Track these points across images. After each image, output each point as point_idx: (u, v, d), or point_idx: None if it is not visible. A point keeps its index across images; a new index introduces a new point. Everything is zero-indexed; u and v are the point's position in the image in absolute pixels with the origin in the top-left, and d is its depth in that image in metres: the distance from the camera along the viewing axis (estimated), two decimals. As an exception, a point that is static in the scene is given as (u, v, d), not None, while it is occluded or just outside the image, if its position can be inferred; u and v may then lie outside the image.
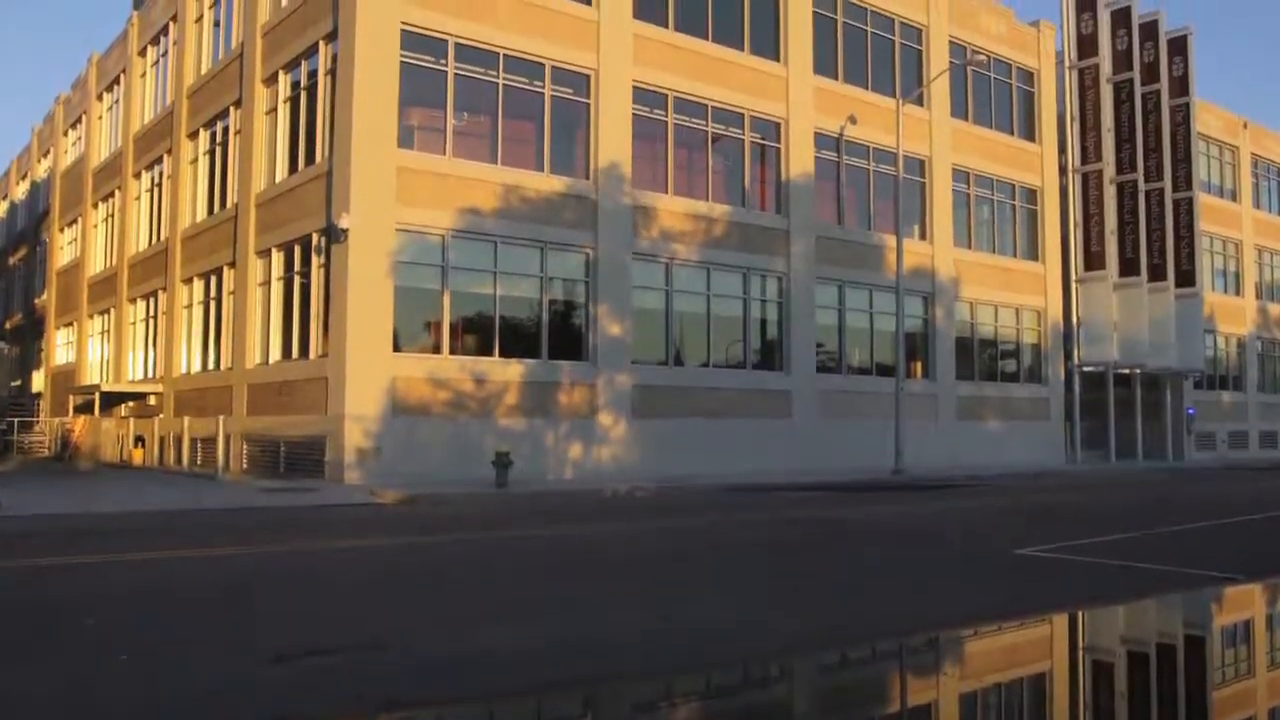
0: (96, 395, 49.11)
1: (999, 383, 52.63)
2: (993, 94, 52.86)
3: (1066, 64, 56.32)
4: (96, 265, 56.86)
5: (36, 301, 68.47)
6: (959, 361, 50.21)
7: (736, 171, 43.19)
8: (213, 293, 42.76)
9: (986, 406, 51.14)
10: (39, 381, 66.29)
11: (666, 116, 40.52)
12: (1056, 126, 55.69)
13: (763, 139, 43.51)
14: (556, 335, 37.35)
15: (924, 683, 5.81)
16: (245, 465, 38.43)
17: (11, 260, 78.33)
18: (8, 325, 77.17)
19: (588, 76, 38.33)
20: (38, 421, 58.62)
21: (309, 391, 34.91)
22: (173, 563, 16.45)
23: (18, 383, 71.81)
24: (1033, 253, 54.41)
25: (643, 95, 39.72)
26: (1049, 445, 53.88)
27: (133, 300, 50.67)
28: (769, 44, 43.73)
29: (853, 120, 44.86)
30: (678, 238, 40.19)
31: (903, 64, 48.55)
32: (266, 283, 38.61)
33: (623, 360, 38.43)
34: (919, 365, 48.82)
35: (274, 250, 38.04)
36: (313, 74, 36.69)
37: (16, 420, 56.61)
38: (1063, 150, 55.94)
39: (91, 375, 55.43)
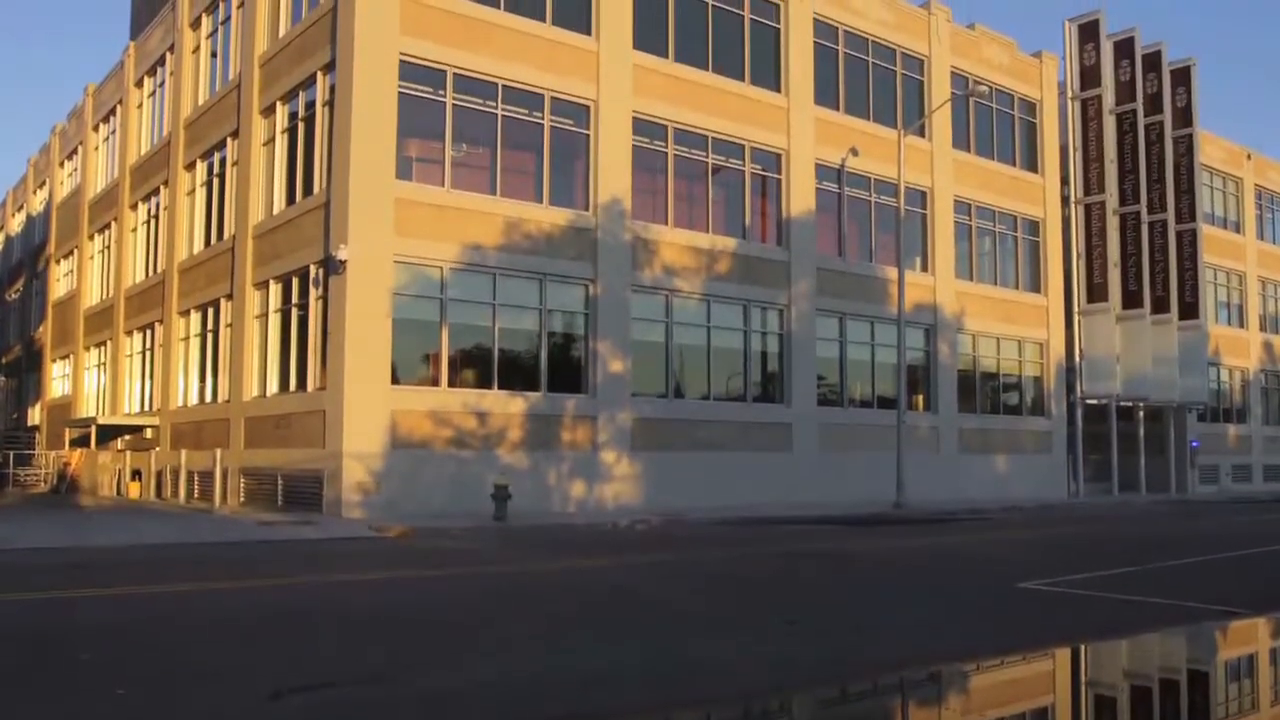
0: (93, 428, 48.91)
1: (1001, 416, 52.39)
2: (995, 125, 52.72)
3: (1069, 95, 56.21)
4: (93, 297, 56.66)
5: (34, 334, 68.27)
6: (961, 394, 49.97)
7: (737, 203, 43.02)
8: (210, 325, 42.53)
9: (989, 440, 50.87)
10: (37, 415, 66.01)
11: (667, 147, 40.36)
12: (1059, 157, 55.54)
13: (763, 170, 43.36)
14: (556, 368, 37.13)
15: (924, 716, 5.57)
16: (243, 499, 38.16)
17: (8, 293, 78.13)
18: (5, 359, 76.98)
19: (587, 107, 38.18)
20: (35, 454, 58.37)
21: (307, 425, 34.67)
22: (169, 598, 16.34)
23: (14, 415, 71.64)
24: (1035, 285, 54.19)
25: (643, 126, 39.56)
26: (1051, 478, 53.57)
27: (129, 332, 50.46)
28: (769, 75, 43.61)
29: (854, 152, 44.67)
30: (678, 270, 39.99)
31: (904, 95, 48.40)
32: (264, 315, 38.39)
33: (623, 393, 38.20)
34: (920, 398, 48.59)
35: (271, 282, 37.83)
36: (310, 105, 36.52)
37: (13, 454, 56.39)
38: (1065, 181, 55.80)
39: (88, 408, 55.17)
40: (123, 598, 16.17)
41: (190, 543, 25.46)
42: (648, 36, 39.87)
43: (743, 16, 42.92)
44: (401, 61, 34.04)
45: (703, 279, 40.66)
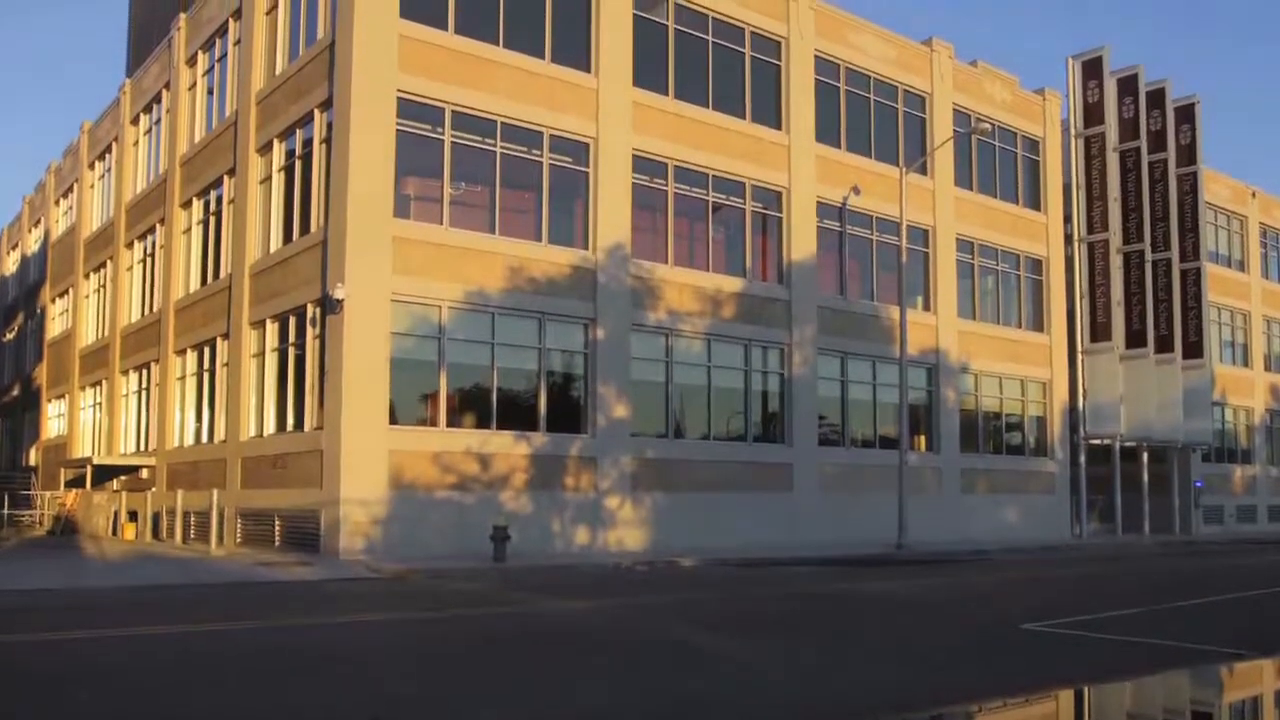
0: (88, 469, 48.62)
1: (1004, 456, 52.08)
2: (997, 163, 52.54)
3: (1072, 132, 56.04)
4: (88, 336, 56.46)
5: (30, 374, 68.08)
6: (963, 434, 49.67)
7: (737, 241, 42.81)
8: (206, 364, 42.31)
9: (991, 480, 50.56)
10: (34, 455, 65.72)
11: (667, 185, 40.17)
12: (1062, 195, 55.39)
13: (764, 208, 43.16)
14: (555, 408, 36.87)
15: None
16: (240, 539, 37.84)
17: (4, 333, 77.95)
18: (2, 399, 76.72)
19: (587, 145, 38.00)
20: (33, 494, 58.05)
21: (304, 465, 34.39)
22: (165, 638, 16.41)
23: (11, 456, 71.39)
24: (1038, 324, 53.96)
25: (642, 164, 39.37)
26: (1054, 519, 53.25)
27: (125, 372, 50.21)
28: (770, 112, 43.44)
29: (856, 191, 44.52)
30: (678, 309, 39.76)
31: (906, 132, 48.22)
32: (261, 354, 38.15)
33: (622, 433, 37.92)
34: (923, 438, 48.28)
35: (268, 321, 37.58)
36: (308, 142, 36.33)
37: (7, 495, 56.10)
38: (1068, 219, 55.61)
39: (83, 448, 54.86)
40: (118, 640, 16.19)
41: (185, 584, 25.43)
42: (647, 74, 39.74)
43: (743, 53, 42.80)
44: (400, 99, 33.87)
45: (703, 318, 40.42)
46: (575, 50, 38.16)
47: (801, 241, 43.62)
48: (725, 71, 42.27)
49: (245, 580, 26.29)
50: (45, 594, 23.00)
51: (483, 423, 35.31)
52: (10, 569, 28.93)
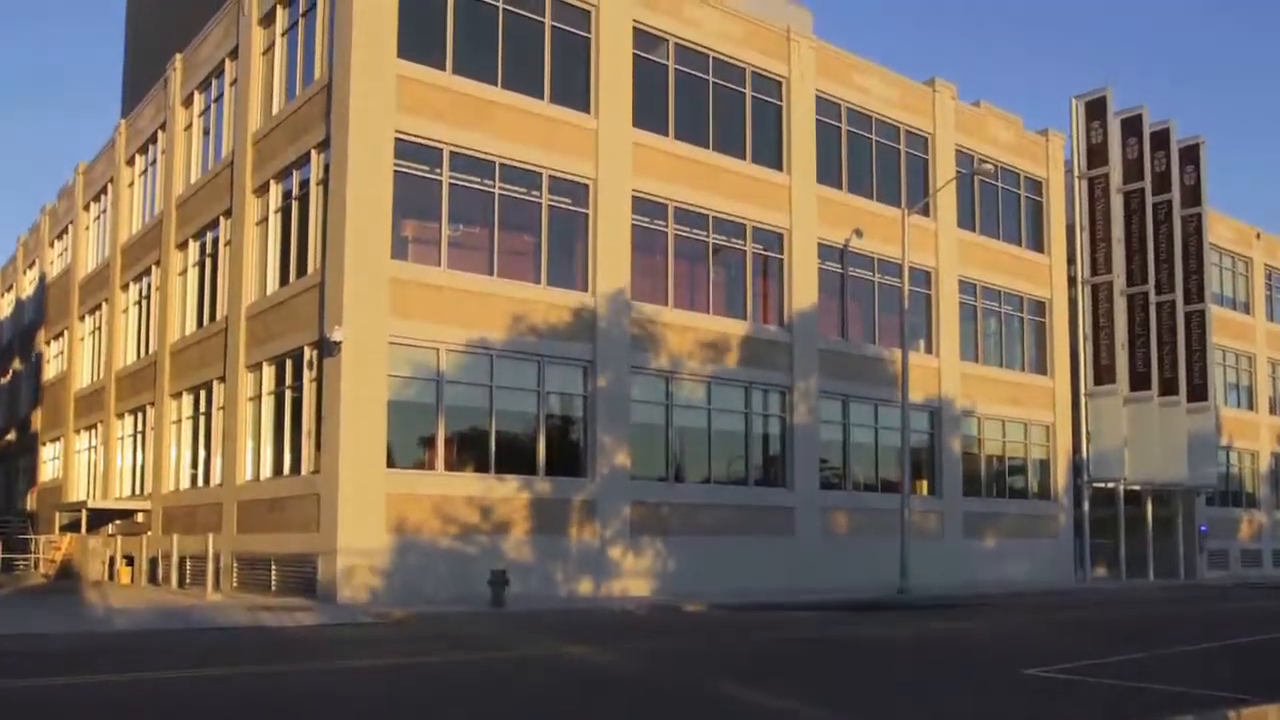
0: (83, 513, 48.18)
1: (1007, 499, 51.69)
2: (1000, 204, 52.29)
3: (1076, 173, 55.83)
4: (84, 379, 56.18)
5: (26, 417, 67.68)
6: (966, 478, 49.31)
7: (738, 283, 42.52)
8: (202, 407, 42.00)
9: (994, 524, 50.15)
10: (31, 500, 65.25)
11: (667, 227, 39.91)
12: (1065, 237, 55.12)
13: (765, 250, 42.88)
14: (554, 451, 36.52)
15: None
16: (236, 584, 37.45)
17: (1, 375, 77.57)
18: (-1, 442, 76.30)
19: (586, 186, 37.75)
20: (30, 537, 57.48)
21: (301, 509, 34.05)
22: (159, 684, 16.48)
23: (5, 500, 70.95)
24: (1041, 366, 53.65)
25: (642, 205, 39.12)
26: (1058, 563, 52.85)
27: (120, 415, 49.87)
28: (771, 153, 43.21)
29: (858, 234, 44.27)
30: (678, 351, 39.44)
31: (908, 173, 47.98)
32: (257, 397, 37.84)
33: (622, 476, 37.57)
34: (925, 482, 47.91)
35: (265, 364, 37.28)
36: (304, 183, 36.10)
37: (2, 539, 55.56)
38: (1072, 261, 55.34)
39: (79, 492, 54.51)
40: (109, 684, 16.25)
41: (179, 629, 25.34)
42: (647, 114, 39.54)
43: (744, 94, 42.61)
44: (397, 140, 33.64)
45: (704, 361, 40.12)
46: (575, 90, 37.98)
47: (803, 283, 43.33)
48: (726, 112, 42.09)
49: (240, 625, 26.06)
50: (33, 639, 22.79)
51: (481, 466, 34.98)
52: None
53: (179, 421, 43.87)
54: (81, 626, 25.83)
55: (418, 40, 34.56)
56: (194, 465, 42.74)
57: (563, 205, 37.48)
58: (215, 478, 40.19)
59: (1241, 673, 18.66)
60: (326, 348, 32.71)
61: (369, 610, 29.32)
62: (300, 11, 37.23)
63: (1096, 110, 56.02)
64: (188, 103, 45.29)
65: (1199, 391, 58.76)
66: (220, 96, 42.55)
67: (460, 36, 35.57)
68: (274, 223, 37.88)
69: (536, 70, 37.21)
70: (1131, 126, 56.78)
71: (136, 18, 65.46)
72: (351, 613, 28.92)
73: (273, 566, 35.63)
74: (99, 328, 54.29)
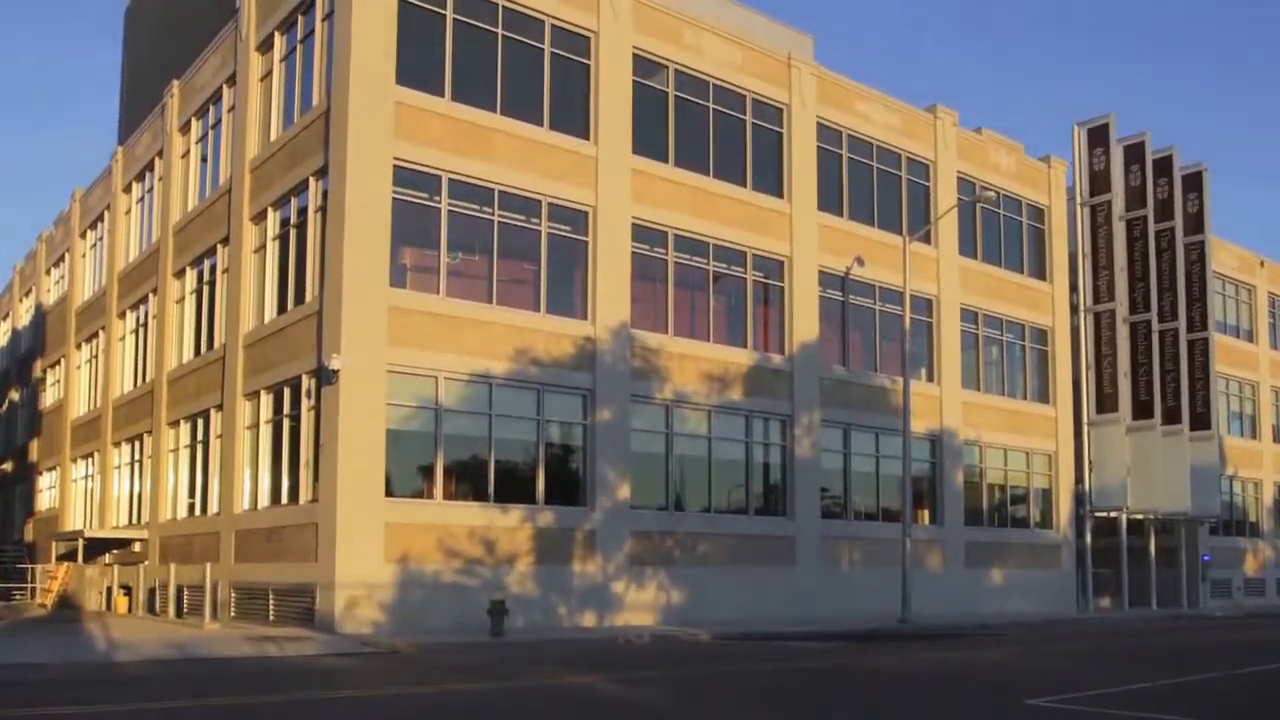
0: (80, 542, 47.91)
1: (1009, 529, 51.45)
2: (1002, 231, 52.11)
3: (1078, 200, 55.68)
4: (80, 407, 55.94)
5: (24, 445, 67.38)
6: (967, 507, 49.07)
7: (739, 311, 42.33)
8: (200, 436, 41.79)
9: (995, 553, 49.90)
10: (29, 529, 64.91)
11: (667, 254, 39.74)
12: (1068, 264, 54.97)
13: (766, 278, 42.71)
14: (553, 479, 36.33)
15: None
16: (233, 613, 37.20)
17: None
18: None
19: (586, 213, 37.59)
20: (27, 567, 57.17)
21: (299, 538, 33.83)
22: (164, 713, 16.52)
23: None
24: (1043, 395, 53.44)
25: (642, 232, 38.95)
26: (1060, 593, 52.57)
27: (117, 444, 49.63)
28: (772, 180, 43.06)
29: (860, 262, 44.09)
30: (679, 380, 39.26)
31: (910, 200, 47.84)
32: (255, 426, 37.62)
33: (622, 505, 37.36)
34: (926, 511, 47.69)
35: (263, 392, 37.06)
36: (302, 211, 35.93)
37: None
38: (1074, 289, 55.19)
39: (75, 521, 54.23)
40: (105, 716, 16.28)
41: (176, 659, 25.18)
42: (647, 141, 39.41)
43: (744, 121, 42.49)
44: (396, 167, 33.49)
45: (704, 389, 39.93)
46: (574, 117, 37.86)
47: (804, 311, 43.16)
48: (726, 138, 42.00)
49: (234, 655, 25.87)
50: (25, 669, 22.76)
51: (480, 495, 34.79)
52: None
53: (176, 450, 43.65)
54: (84, 657, 25.70)
55: (416, 66, 34.43)
56: (191, 494, 42.49)
57: (562, 232, 37.30)
58: (213, 507, 39.93)
59: (1249, 703, 18.73)
60: (325, 376, 32.50)
61: (369, 640, 29.18)
62: (298, 38, 37.10)
63: (1099, 137, 55.89)
64: (185, 129, 45.17)
65: (1202, 420, 58.54)
66: (218, 123, 42.41)
67: (459, 63, 35.45)
68: (272, 250, 37.67)
69: (536, 97, 37.09)
70: (1134, 154, 56.60)
71: (134, 44, 65.33)
72: (351, 642, 28.73)
73: (271, 596, 35.38)
74: (96, 356, 54.07)
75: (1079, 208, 55.67)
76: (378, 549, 32.21)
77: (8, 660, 24.03)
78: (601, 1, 38.50)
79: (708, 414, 40.39)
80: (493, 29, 36.10)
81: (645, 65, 39.81)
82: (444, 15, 35.02)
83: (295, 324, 35.25)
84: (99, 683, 20.30)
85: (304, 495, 34.33)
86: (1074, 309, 55.08)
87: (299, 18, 36.96)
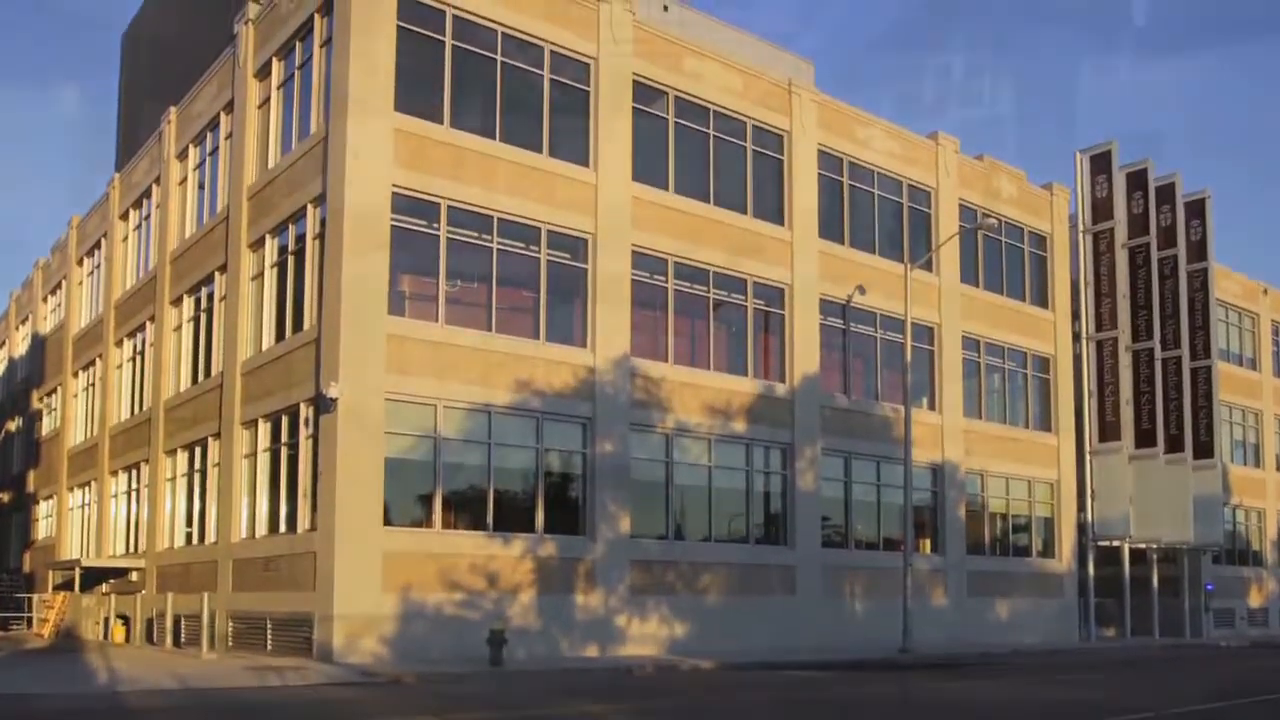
0: (76, 571, 47.63)
1: (1011, 558, 51.24)
2: (1004, 259, 51.95)
3: (1080, 228, 55.53)
4: (77, 436, 55.74)
5: (20, 474, 67.09)
6: (969, 536, 48.86)
7: (739, 338, 42.17)
8: (197, 464, 41.57)
9: (998, 583, 49.66)
10: (26, 559, 64.61)
11: (666, 282, 39.56)
12: (1070, 292, 54.78)
13: (766, 305, 42.54)
14: (552, 508, 36.15)
15: None
16: (231, 643, 36.96)
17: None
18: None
19: (585, 241, 37.43)
20: (24, 596, 56.88)
21: (297, 567, 33.63)
22: None
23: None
24: (1046, 423, 53.23)
25: (642, 260, 38.79)
26: (1062, 622, 52.32)
27: (114, 472, 49.38)
28: (772, 207, 42.90)
29: (861, 291, 43.87)
30: (679, 409, 39.09)
31: (911, 227, 47.69)
32: (253, 454, 37.41)
33: (622, 535, 37.15)
34: (927, 540, 47.48)
35: (260, 421, 36.86)
36: (300, 238, 35.76)
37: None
38: (1077, 317, 55.01)
39: (72, 550, 53.97)
40: None
41: (175, 689, 25.06)
42: (647, 168, 39.26)
43: (744, 148, 42.35)
44: (394, 194, 33.33)
45: (704, 418, 39.75)
46: (573, 145, 37.70)
47: (805, 339, 42.99)
48: (726, 166, 41.86)
49: (233, 685, 25.68)
50: (19, 699, 22.69)
51: (479, 524, 34.59)
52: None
53: (174, 479, 43.43)
54: (86, 688, 25.52)
55: (415, 93, 34.28)
56: (189, 523, 42.26)
57: (562, 260, 37.15)
58: (210, 535, 39.67)
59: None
60: (323, 404, 32.30)
61: (369, 670, 28.99)
62: (296, 65, 36.97)
63: (1101, 164, 55.73)
64: (182, 156, 45.01)
65: (1205, 449, 58.28)
66: (215, 150, 42.23)
67: (458, 90, 35.33)
68: (269, 278, 37.48)
69: (535, 123, 36.94)
70: (1136, 181, 56.41)
71: (131, 70, 65.33)
72: (353, 672, 28.61)
73: (269, 625, 35.13)
74: (93, 384, 53.83)
75: (1081, 235, 55.50)
76: (375, 578, 31.99)
77: (9, 690, 23.95)
78: (601, 27, 38.39)
79: (709, 443, 40.19)
80: (492, 55, 35.97)
81: (645, 92, 39.67)
82: (443, 41, 34.87)
83: (293, 351, 35.07)
84: (103, 712, 20.39)
85: (302, 524, 34.10)
86: (1076, 337, 54.87)
87: (297, 44, 36.82)
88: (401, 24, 33.91)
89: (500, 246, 35.66)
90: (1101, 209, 55.58)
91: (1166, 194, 57.84)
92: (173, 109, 45.89)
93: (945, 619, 45.86)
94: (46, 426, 61.45)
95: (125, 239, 51.26)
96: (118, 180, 52.49)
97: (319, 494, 32.80)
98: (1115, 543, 54.91)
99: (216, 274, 40.63)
